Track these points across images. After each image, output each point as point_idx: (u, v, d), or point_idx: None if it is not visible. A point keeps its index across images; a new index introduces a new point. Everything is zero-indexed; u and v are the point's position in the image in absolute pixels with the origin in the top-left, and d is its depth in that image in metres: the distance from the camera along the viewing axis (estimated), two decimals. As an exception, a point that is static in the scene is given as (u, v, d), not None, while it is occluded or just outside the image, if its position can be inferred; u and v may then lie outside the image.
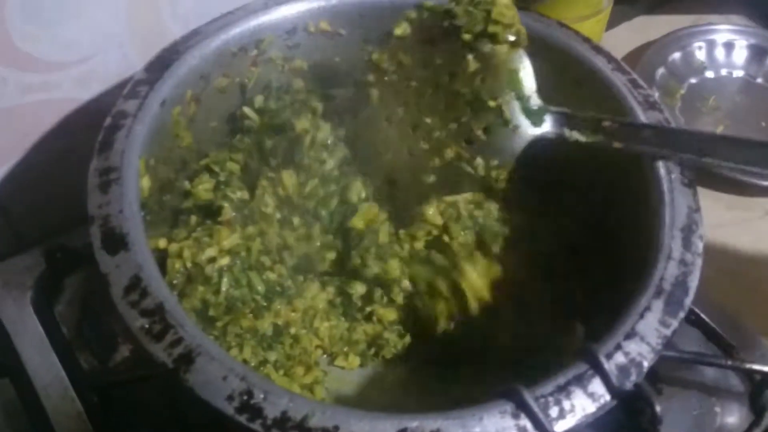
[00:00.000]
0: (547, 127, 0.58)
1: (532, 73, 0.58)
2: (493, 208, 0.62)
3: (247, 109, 0.65)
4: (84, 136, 0.55)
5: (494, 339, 0.61)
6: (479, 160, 0.60)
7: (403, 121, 0.62)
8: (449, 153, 0.61)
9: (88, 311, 0.65)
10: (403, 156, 0.63)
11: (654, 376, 0.61)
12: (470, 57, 0.57)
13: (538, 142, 0.59)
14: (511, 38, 0.56)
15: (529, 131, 0.58)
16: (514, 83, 0.57)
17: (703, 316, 0.65)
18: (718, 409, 0.61)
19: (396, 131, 0.63)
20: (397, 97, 0.62)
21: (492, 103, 0.58)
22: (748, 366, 0.61)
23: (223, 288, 0.56)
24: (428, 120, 0.61)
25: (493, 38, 0.56)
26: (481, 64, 0.57)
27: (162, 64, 0.58)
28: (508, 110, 0.58)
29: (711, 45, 0.93)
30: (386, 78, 0.63)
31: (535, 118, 0.58)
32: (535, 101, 0.58)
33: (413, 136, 0.62)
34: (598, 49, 0.62)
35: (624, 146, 0.55)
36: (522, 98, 0.58)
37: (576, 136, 0.57)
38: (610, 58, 0.61)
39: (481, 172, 0.60)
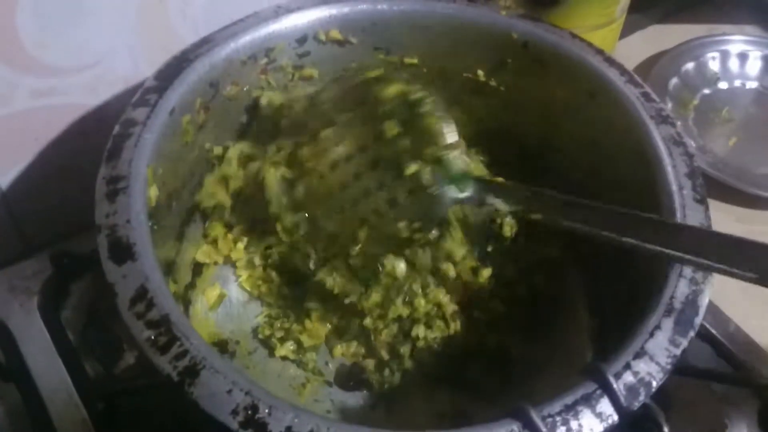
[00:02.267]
0: (470, 192, 0.58)
1: (455, 137, 0.57)
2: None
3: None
4: (93, 141, 0.55)
5: (503, 355, 0.61)
6: (402, 224, 0.59)
7: (332, 179, 0.62)
8: (375, 213, 0.60)
9: (95, 317, 0.65)
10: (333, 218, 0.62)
11: (663, 390, 0.59)
12: (388, 122, 0.58)
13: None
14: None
15: (453, 195, 0.58)
16: (434, 149, 0.57)
17: (713, 331, 0.65)
18: (727, 425, 0.60)
19: (326, 194, 0.62)
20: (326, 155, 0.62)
21: (413, 168, 0.58)
22: (758, 382, 0.60)
23: None
24: (354, 180, 0.60)
25: (412, 106, 0.58)
26: (402, 129, 0.58)
27: (171, 72, 0.57)
28: (428, 175, 0.57)
29: (725, 55, 0.93)
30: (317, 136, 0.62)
31: (458, 182, 0.58)
32: (457, 167, 0.57)
33: (340, 197, 0.61)
34: (610, 61, 0.61)
35: (542, 218, 0.55)
36: (441, 164, 0.57)
37: (498, 204, 0.57)
38: (623, 71, 0.61)
39: (404, 234, 0.59)
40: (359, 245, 0.60)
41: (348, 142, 0.60)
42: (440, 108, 0.58)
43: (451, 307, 0.62)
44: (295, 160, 0.62)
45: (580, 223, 0.53)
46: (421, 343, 0.61)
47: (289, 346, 0.62)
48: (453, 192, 0.58)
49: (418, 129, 0.58)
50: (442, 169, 0.58)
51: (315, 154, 0.62)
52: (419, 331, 0.61)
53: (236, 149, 0.64)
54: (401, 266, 0.60)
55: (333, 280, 0.60)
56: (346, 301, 0.61)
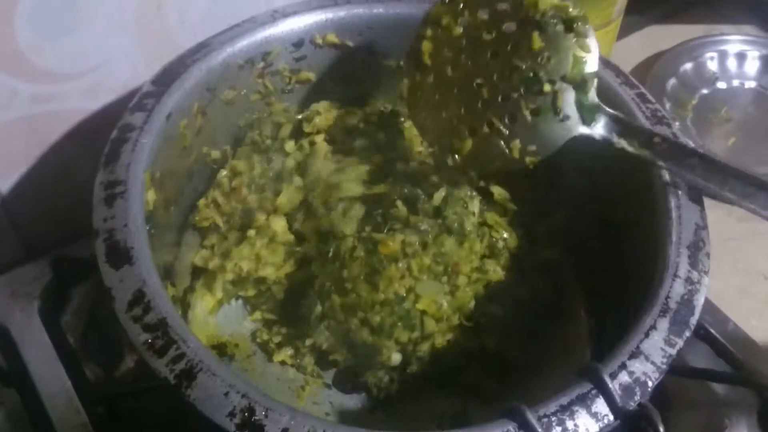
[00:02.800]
0: (597, 128, 0.54)
1: (596, 67, 0.54)
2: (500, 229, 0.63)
3: None
4: (92, 146, 0.56)
5: (502, 357, 0.61)
6: (516, 142, 0.55)
7: (450, 81, 0.58)
8: (489, 125, 0.56)
9: (95, 321, 0.66)
10: (442, 117, 0.59)
11: (663, 391, 0.60)
12: (536, 33, 0.54)
13: (577, 141, 0.55)
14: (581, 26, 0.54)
15: (578, 127, 0.54)
16: (576, 73, 0.54)
17: (713, 331, 0.64)
18: (727, 425, 0.60)
19: (441, 90, 0.59)
20: (449, 55, 0.58)
21: (548, 87, 0.54)
22: (757, 382, 0.60)
23: None
24: (476, 85, 0.57)
25: (567, 22, 0.54)
26: (547, 44, 0.54)
27: (168, 76, 0.58)
28: (562, 99, 0.54)
29: (723, 55, 0.93)
30: (442, 33, 0.59)
31: (588, 114, 0.54)
32: (592, 97, 0.54)
33: (456, 98, 0.58)
34: (606, 63, 0.62)
35: (668, 167, 0.53)
36: (579, 90, 0.54)
37: (624, 144, 0.54)
38: (618, 72, 0.61)
39: (515, 155, 0.56)
40: (462, 154, 0.58)
41: (483, 42, 0.57)
42: (591, 33, 0.54)
43: (442, 338, 0.61)
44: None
45: (706, 179, 0.52)
46: (413, 368, 0.60)
47: (287, 352, 0.62)
48: (576, 123, 0.55)
49: (562, 48, 0.54)
50: (580, 95, 0.54)
51: (445, 45, 0.59)
52: (413, 368, 0.60)
53: (226, 170, 0.65)
54: (396, 357, 0.59)
55: (326, 339, 0.60)
56: (330, 357, 0.61)
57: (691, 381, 0.61)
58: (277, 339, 0.62)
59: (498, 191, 0.65)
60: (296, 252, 0.64)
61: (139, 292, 0.45)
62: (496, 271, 0.62)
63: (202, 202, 0.63)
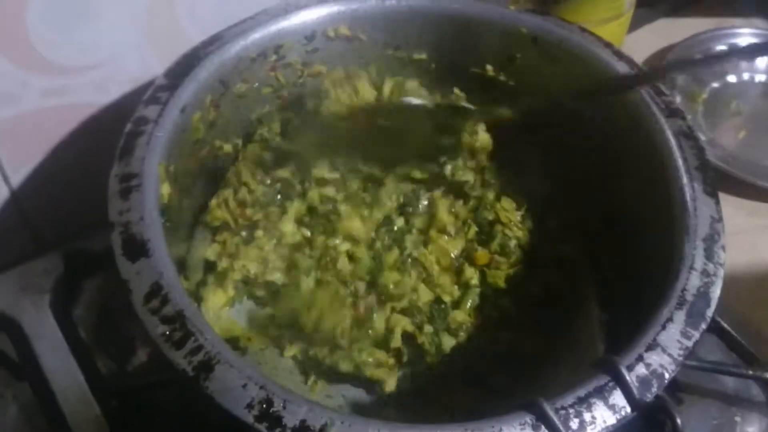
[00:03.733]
0: None
1: None
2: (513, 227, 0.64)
3: None
4: (103, 139, 0.56)
5: (515, 352, 0.61)
6: None
7: None
8: None
9: (107, 315, 0.66)
10: None
11: (674, 384, 0.60)
12: None
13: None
14: None
15: None
16: None
17: (724, 324, 0.64)
18: (738, 419, 0.60)
19: None
20: None
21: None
22: (769, 375, 0.60)
23: None
24: None
25: None
26: None
27: (182, 69, 0.58)
28: None
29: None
30: None
31: None
32: None
33: None
34: (620, 55, 0.62)
35: None
36: None
37: None
38: (632, 64, 0.61)
39: None
40: None
41: None
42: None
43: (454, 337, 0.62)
44: None
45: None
46: (431, 359, 0.61)
47: (298, 346, 0.62)
48: None
49: None
50: None
51: None
52: (424, 363, 0.61)
53: (236, 168, 0.65)
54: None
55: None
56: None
57: (702, 374, 0.61)
58: (288, 334, 0.62)
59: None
60: (305, 255, 0.64)
61: (156, 284, 0.45)
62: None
63: (213, 201, 0.63)
